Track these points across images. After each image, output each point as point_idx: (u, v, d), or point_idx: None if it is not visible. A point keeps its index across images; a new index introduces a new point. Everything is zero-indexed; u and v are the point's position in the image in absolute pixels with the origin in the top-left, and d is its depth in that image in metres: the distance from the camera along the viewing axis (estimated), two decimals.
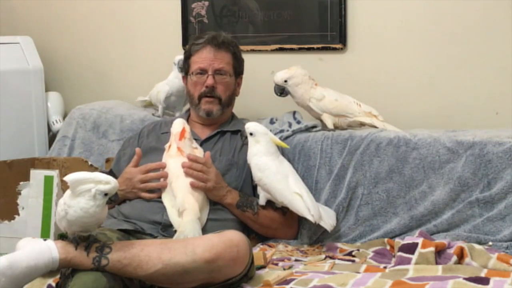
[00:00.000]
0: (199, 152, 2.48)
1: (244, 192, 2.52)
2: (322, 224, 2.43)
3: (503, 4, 2.72)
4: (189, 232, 2.24)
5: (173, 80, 2.93)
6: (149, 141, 2.65)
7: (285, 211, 2.51)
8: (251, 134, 2.46)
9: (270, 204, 2.49)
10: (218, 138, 2.63)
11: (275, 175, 2.43)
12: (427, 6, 2.83)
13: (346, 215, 2.60)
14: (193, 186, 2.38)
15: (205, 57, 2.61)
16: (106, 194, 1.90)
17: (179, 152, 2.43)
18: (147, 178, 2.45)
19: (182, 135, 2.46)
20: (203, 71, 2.61)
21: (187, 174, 2.39)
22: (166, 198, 2.40)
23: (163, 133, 2.64)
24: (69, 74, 3.46)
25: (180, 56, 2.79)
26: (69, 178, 1.90)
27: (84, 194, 1.89)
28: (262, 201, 2.48)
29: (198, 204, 2.35)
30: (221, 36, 2.66)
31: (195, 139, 2.56)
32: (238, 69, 2.68)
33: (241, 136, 2.59)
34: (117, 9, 3.35)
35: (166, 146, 2.49)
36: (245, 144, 2.53)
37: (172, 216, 2.34)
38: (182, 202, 2.33)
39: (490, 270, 2.13)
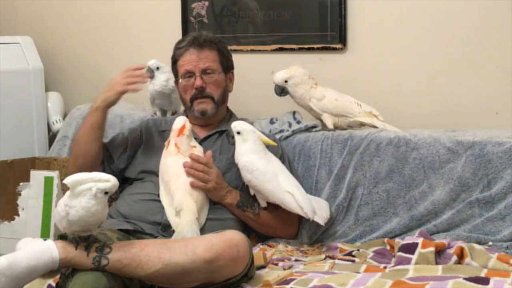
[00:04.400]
0: (197, 150, 2.47)
1: (245, 191, 2.52)
2: (316, 219, 2.42)
3: (503, 4, 2.72)
4: (187, 232, 2.24)
5: (149, 85, 2.92)
6: (153, 141, 2.64)
7: (283, 209, 2.50)
8: (238, 133, 2.44)
9: (270, 203, 2.49)
10: (217, 137, 2.63)
11: (264, 175, 2.41)
12: (427, 6, 2.83)
13: (346, 215, 2.60)
14: (193, 186, 2.38)
15: (189, 59, 2.60)
16: (106, 193, 1.91)
17: (176, 148, 2.43)
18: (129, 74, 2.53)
19: (180, 131, 2.45)
20: (190, 74, 2.60)
21: (188, 174, 2.39)
22: (164, 197, 2.40)
23: (161, 131, 2.65)
24: (69, 74, 3.46)
25: (150, 62, 2.82)
26: (68, 180, 1.90)
27: (85, 193, 1.89)
28: (263, 204, 2.48)
29: (196, 205, 2.34)
30: (202, 35, 2.65)
31: (194, 138, 2.56)
32: (226, 65, 2.66)
33: (227, 136, 2.55)
34: (117, 9, 3.35)
35: (166, 143, 2.49)
36: (231, 144, 2.51)
37: (170, 215, 2.34)
38: (179, 202, 2.33)
39: (490, 270, 2.13)
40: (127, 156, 2.64)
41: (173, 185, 2.38)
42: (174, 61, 2.67)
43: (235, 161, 2.46)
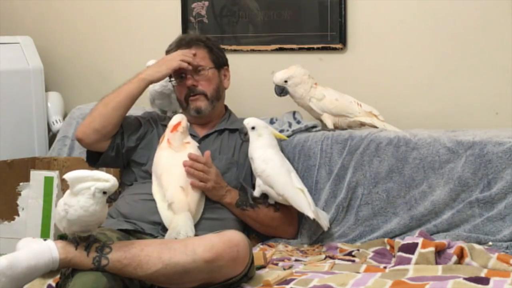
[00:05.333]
0: (190, 146, 2.47)
1: (244, 191, 2.52)
2: (320, 222, 2.43)
3: (503, 4, 2.72)
4: (181, 227, 2.24)
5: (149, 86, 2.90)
6: (158, 130, 2.64)
7: (283, 209, 2.51)
8: (253, 128, 2.46)
9: (270, 204, 2.50)
10: (216, 136, 2.63)
11: (279, 168, 2.44)
12: (426, 6, 2.83)
13: (346, 215, 2.60)
14: (193, 185, 2.38)
15: None
16: (105, 193, 1.91)
17: (168, 143, 2.43)
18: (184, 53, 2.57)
19: (175, 128, 2.47)
20: (182, 74, 2.60)
21: (187, 173, 2.39)
22: (156, 192, 2.40)
23: (163, 125, 2.65)
24: (69, 74, 3.47)
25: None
26: (68, 176, 1.91)
27: (83, 192, 1.89)
28: (257, 193, 2.47)
29: (188, 198, 2.35)
30: (188, 35, 2.72)
31: (194, 136, 2.56)
32: (217, 61, 2.65)
33: (239, 134, 2.58)
34: (117, 9, 3.35)
35: (161, 138, 2.50)
36: (245, 141, 2.52)
37: (163, 210, 2.34)
38: (171, 195, 2.34)
39: (490, 270, 2.13)
40: (137, 136, 2.62)
41: (165, 179, 2.38)
42: None
43: (249, 156, 2.47)
